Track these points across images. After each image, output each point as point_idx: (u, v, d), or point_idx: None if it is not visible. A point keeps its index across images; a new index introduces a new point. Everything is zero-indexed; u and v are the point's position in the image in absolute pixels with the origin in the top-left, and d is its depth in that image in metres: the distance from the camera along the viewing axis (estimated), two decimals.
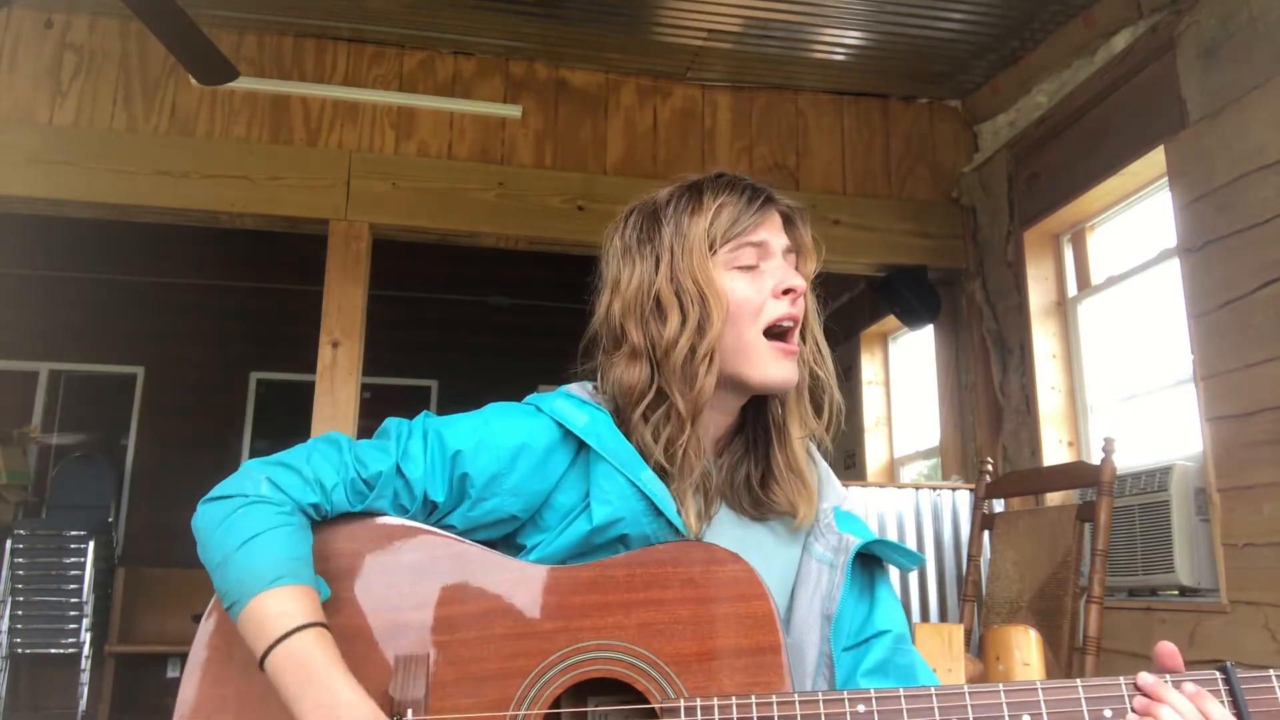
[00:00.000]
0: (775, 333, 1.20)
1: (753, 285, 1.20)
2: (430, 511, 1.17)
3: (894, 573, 1.31)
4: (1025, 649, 1.98)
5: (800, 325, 1.24)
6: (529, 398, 1.25)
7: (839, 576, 1.18)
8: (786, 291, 1.20)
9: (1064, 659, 2.74)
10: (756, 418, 1.27)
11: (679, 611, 1.08)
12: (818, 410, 1.27)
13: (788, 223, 1.26)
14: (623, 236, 1.27)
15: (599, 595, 1.09)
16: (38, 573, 5.77)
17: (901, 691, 0.98)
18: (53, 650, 5.76)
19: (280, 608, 1.03)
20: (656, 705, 1.04)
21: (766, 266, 1.21)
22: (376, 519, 1.16)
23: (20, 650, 5.74)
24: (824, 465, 1.34)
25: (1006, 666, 1.95)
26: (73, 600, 5.76)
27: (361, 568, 1.13)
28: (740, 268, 1.20)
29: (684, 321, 1.17)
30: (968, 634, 2.93)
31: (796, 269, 1.26)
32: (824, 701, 0.98)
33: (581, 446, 1.19)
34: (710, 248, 1.20)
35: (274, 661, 1.01)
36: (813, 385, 1.28)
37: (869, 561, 1.23)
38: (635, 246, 1.24)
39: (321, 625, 1.04)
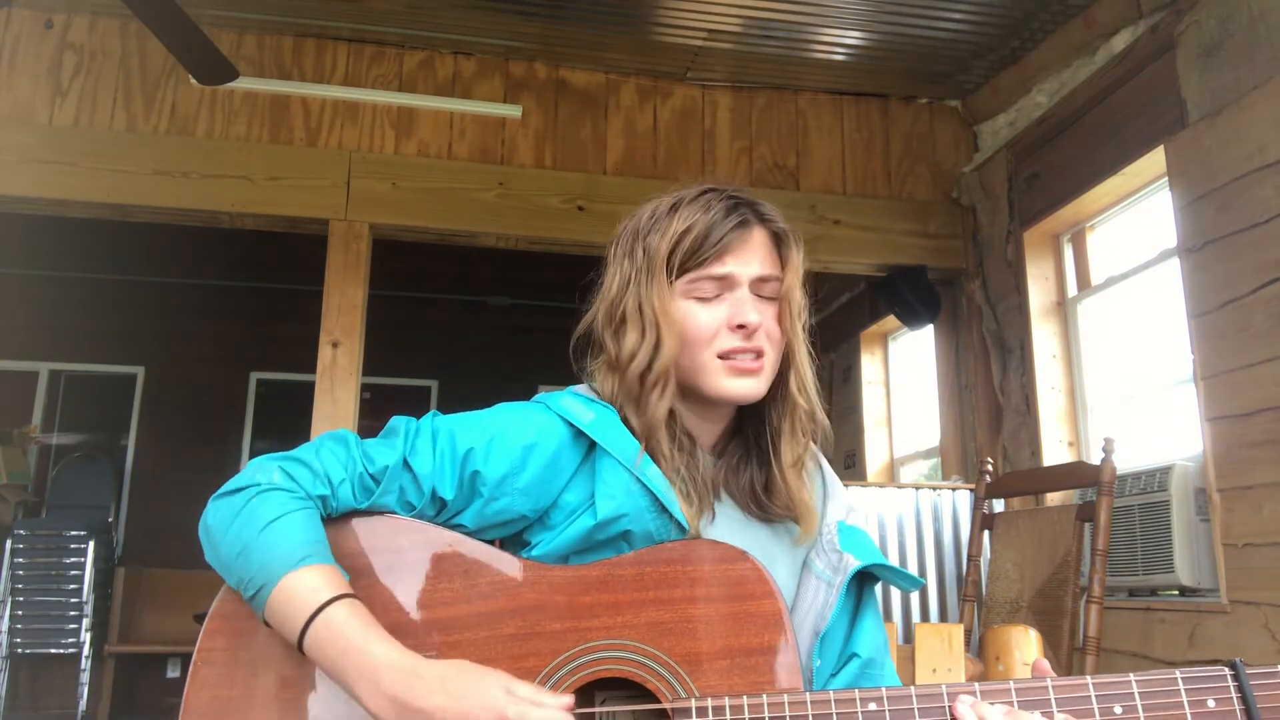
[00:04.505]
0: (732, 354, 1.20)
1: (709, 315, 1.19)
2: (439, 509, 1.17)
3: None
4: (1025, 649, 1.98)
5: (781, 348, 1.23)
6: (537, 396, 1.26)
7: (833, 595, 1.18)
8: (740, 326, 1.18)
9: (1064, 659, 2.74)
10: (756, 423, 1.27)
11: (688, 610, 1.08)
12: (809, 426, 1.27)
13: (775, 240, 1.24)
14: (616, 244, 1.28)
15: (608, 594, 1.09)
16: (38, 573, 5.75)
17: (913, 690, 0.98)
18: (53, 650, 5.74)
19: (311, 584, 1.03)
20: (667, 705, 1.04)
21: (729, 297, 1.20)
22: (385, 517, 1.16)
23: (20, 650, 5.72)
24: (832, 475, 1.34)
25: (1006, 666, 1.95)
26: (73, 600, 5.75)
27: (370, 567, 1.13)
28: (698, 298, 1.20)
29: (641, 341, 1.19)
30: (968, 634, 2.93)
31: (781, 289, 1.23)
32: (835, 701, 0.99)
33: (591, 447, 1.20)
34: (669, 274, 1.19)
35: (313, 636, 1.02)
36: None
37: (862, 579, 1.23)
38: (619, 257, 1.26)
39: (353, 596, 1.05)
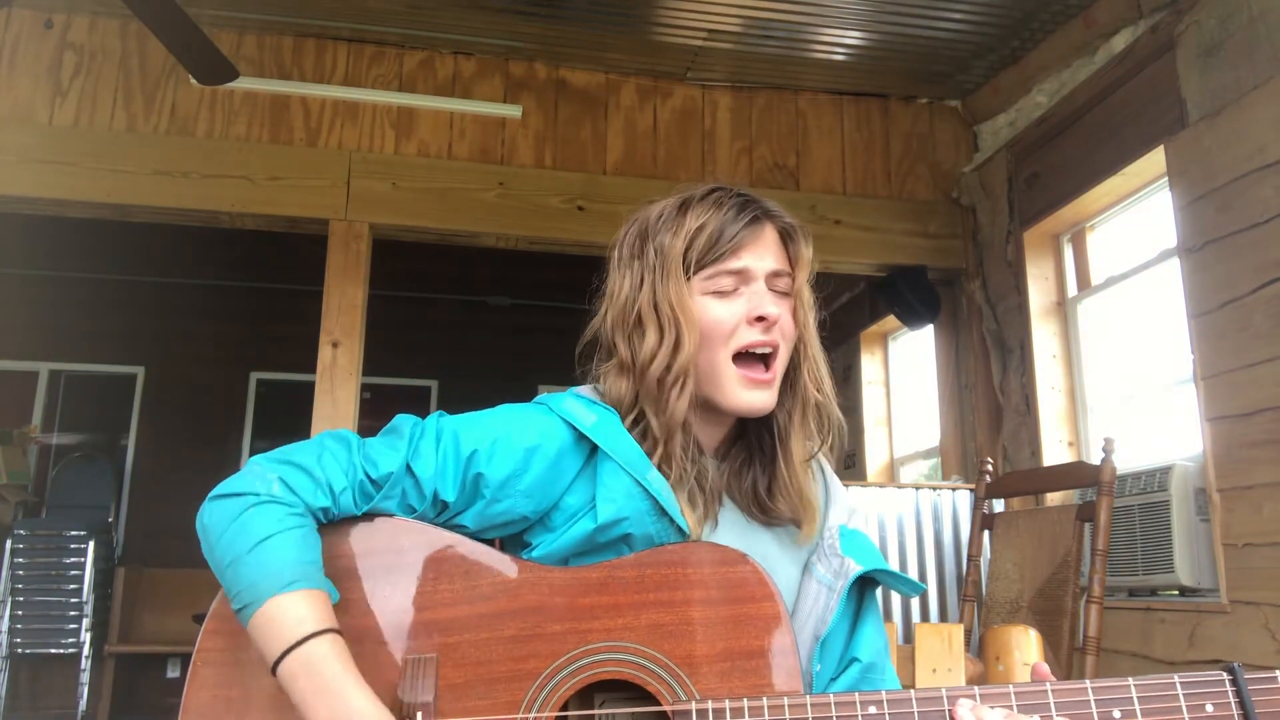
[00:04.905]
0: (747, 357, 1.20)
1: (728, 309, 1.20)
2: (440, 511, 1.17)
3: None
4: (1025, 649, 1.97)
5: (794, 347, 1.24)
6: (539, 398, 1.26)
7: (834, 600, 1.18)
8: (760, 319, 1.19)
9: (1064, 659, 2.74)
10: (760, 426, 1.27)
11: (689, 613, 1.08)
12: (822, 422, 1.27)
13: (784, 237, 1.26)
14: (620, 247, 1.28)
15: (608, 596, 1.09)
16: (38, 573, 5.75)
17: (913, 693, 0.98)
18: (53, 650, 5.74)
19: (295, 613, 1.03)
20: (667, 707, 1.04)
21: (746, 290, 1.21)
22: (385, 519, 1.15)
23: (20, 650, 5.72)
24: (833, 478, 1.34)
25: (1006, 666, 1.95)
26: (73, 600, 5.74)
27: (369, 568, 1.13)
28: (716, 293, 1.20)
29: (660, 340, 1.19)
30: (968, 634, 2.92)
31: (793, 285, 1.24)
32: (835, 704, 0.99)
33: (593, 450, 1.19)
34: (687, 271, 1.20)
35: (287, 667, 1.01)
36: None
37: (863, 583, 1.23)
38: (627, 260, 1.26)
39: (335, 631, 1.04)
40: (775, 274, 1.22)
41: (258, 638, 1.04)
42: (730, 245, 1.20)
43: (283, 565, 1.04)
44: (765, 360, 1.21)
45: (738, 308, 1.20)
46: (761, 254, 1.21)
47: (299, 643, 1.01)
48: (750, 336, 1.19)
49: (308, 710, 1.01)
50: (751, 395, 1.20)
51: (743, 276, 1.21)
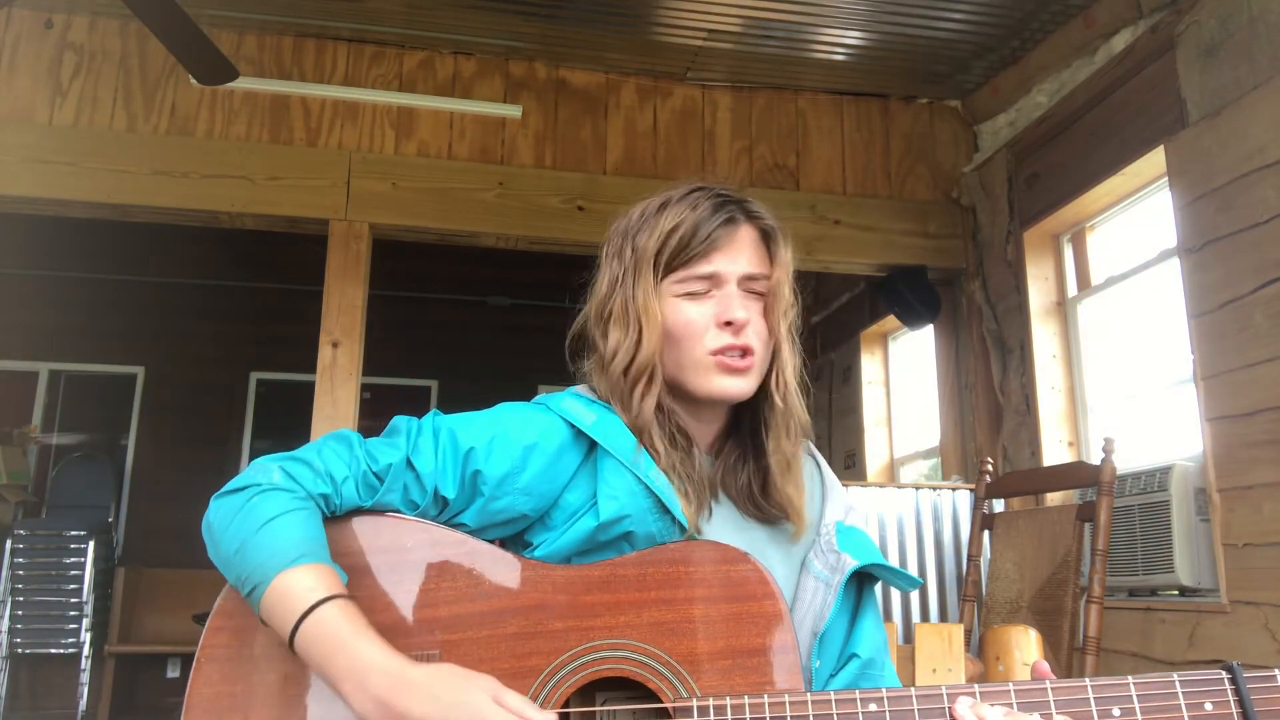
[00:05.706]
0: (724, 351, 1.20)
1: (699, 310, 1.21)
2: (442, 508, 1.18)
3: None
4: (1025, 649, 1.98)
5: (769, 345, 1.23)
6: (539, 397, 1.26)
7: (831, 596, 1.19)
8: (728, 324, 1.19)
9: (1064, 659, 2.75)
10: (750, 423, 1.28)
11: (691, 611, 1.08)
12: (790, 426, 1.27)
13: (764, 237, 1.25)
14: (606, 246, 1.30)
15: (610, 594, 1.10)
16: (38, 573, 5.76)
17: (913, 691, 0.98)
18: (53, 650, 5.75)
19: (304, 584, 1.03)
20: (669, 705, 1.04)
21: (717, 294, 1.21)
22: (389, 516, 1.16)
23: (20, 650, 5.73)
24: (830, 475, 1.34)
25: (1006, 666, 1.95)
26: (73, 600, 5.75)
27: (372, 566, 1.14)
28: (688, 294, 1.21)
29: (623, 339, 1.20)
30: (968, 634, 2.93)
31: (769, 286, 1.23)
32: (836, 701, 0.99)
33: (592, 448, 1.20)
34: (657, 272, 1.21)
35: (303, 636, 1.02)
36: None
37: (861, 579, 1.23)
38: (609, 259, 1.27)
39: (345, 597, 1.05)
40: (749, 277, 1.22)
41: (270, 617, 1.05)
42: (703, 247, 1.20)
43: (289, 544, 1.05)
44: (741, 353, 1.21)
45: (707, 310, 1.20)
46: (735, 257, 1.22)
47: (310, 610, 1.02)
48: (721, 340, 1.20)
49: (326, 674, 1.02)
50: (724, 381, 1.20)
51: (714, 280, 1.21)
